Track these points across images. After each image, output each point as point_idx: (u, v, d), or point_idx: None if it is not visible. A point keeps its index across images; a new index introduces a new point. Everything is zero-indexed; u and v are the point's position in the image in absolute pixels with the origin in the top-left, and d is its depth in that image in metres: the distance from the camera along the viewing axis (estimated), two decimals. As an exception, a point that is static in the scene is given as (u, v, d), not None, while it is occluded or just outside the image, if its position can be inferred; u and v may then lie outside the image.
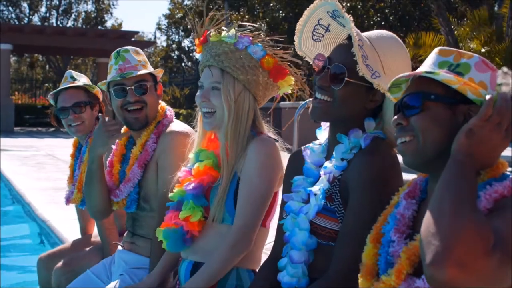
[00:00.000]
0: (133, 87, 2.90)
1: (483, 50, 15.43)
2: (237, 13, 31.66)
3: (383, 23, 28.24)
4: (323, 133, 2.22)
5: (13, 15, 41.66)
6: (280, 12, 29.32)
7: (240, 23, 2.47)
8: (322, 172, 2.05)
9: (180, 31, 43.13)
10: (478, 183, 1.51)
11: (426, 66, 1.65)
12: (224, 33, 2.42)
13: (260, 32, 2.47)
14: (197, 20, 2.46)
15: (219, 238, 2.39)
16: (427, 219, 1.41)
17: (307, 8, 2.14)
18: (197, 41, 2.49)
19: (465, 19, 18.84)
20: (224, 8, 26.35)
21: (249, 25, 2.47)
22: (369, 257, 1.71)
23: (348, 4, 27.87)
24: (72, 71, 3.73)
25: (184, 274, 2.45)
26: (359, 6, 28.01)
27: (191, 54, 42.52)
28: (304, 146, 2.25)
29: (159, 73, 3.04)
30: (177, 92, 28.70)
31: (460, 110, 1.58)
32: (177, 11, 41.97)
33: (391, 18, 28.49)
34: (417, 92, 1.61)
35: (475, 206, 1.41)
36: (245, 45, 2.39)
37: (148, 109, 2.93)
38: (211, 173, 2.46)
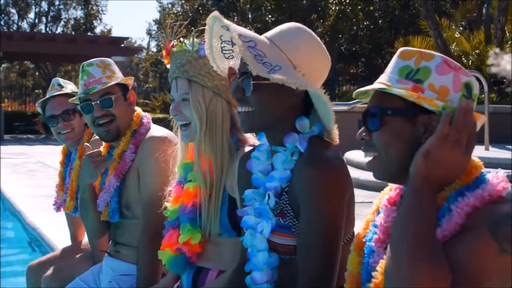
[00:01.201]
0: (98, 102, 2.86)
1: (473, 53, 15.54)
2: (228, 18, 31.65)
3: (372, 26, 28.35)
4: (264, 137, 2.13)
5: (2, 22, 41.54)
6: (270, 16, 29.37)
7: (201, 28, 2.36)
8: (268, 187, 1.99)
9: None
10: (449, 192, 1.48)
11: (385, 74, 1.60)
12: (185, 42, 2.36)
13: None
14: (161, 31, 2.41)
15: (218, 247, 2.38)
16: (386, 265, 1.41)
17: (205, 30, 2.08)
18: (164, 53, 2.43)
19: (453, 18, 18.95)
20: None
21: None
22: (354, 265, 1.67)
23: (337, 8, 27.97)
24: (59, 79, 3.71)
25: (186, 278, 2.44)
26: (348, 10, 28.11)
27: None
28: (249, 150, 2.19)
29: (128, 81, 2.98)
30: (167, 98, 28.67)
31: (420, 121, 1.51)
32: (167, 15, 41.94)
33: (380, 21, 28.60)
34: (376, 107, 1.56)
35: (433, 246, 1.38)
36: None
37: (118, 120, 2.88)
38: (201, 194, 2.40)
